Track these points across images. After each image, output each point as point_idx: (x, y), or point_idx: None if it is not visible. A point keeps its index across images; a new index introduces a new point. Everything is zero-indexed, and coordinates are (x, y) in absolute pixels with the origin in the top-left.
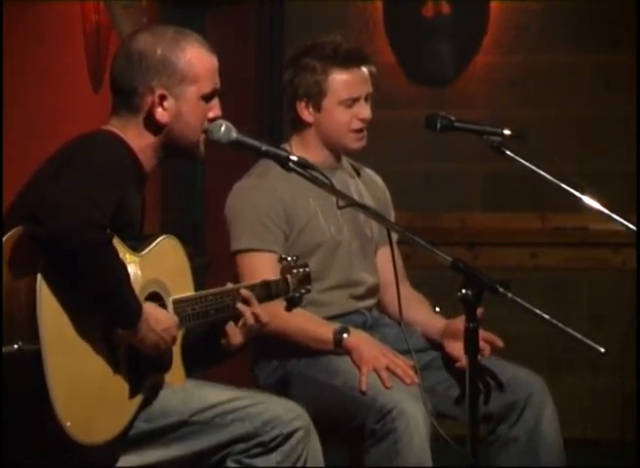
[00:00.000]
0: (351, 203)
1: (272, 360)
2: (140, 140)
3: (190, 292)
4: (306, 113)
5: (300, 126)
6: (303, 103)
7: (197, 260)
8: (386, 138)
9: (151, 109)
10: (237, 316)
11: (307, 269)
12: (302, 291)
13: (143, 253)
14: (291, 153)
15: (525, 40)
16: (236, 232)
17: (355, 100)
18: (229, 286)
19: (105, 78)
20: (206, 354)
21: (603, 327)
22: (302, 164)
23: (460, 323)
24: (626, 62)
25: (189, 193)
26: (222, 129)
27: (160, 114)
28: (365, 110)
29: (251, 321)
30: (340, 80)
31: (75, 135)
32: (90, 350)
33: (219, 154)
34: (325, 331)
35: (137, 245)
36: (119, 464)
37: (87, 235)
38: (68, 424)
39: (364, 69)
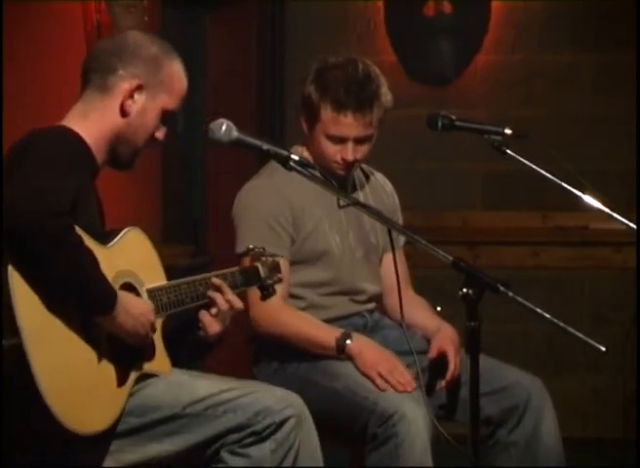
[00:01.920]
0: (352, 202)
1: (272, 361)
2: (97, 125)
3: (163, 282)
4: (305, 128)
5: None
6: (302, 118)
7: (198, 259)
8: (388, 138)
9: (123, 94)
10: (210, 304)
11: (277, 259)
12: (275, 279)
13: (110, 245)
14: (293, 152)
15: (526, 39)
16: (242, 234)
17: (342, 140)
18: (202, 275)
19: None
20: (184, 346)
21: (604, 326)
22: (304, 163)
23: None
24: (627, 62)
25: (190, 191)
26: (223, 128)
27: (128, 104)
28: (347, 153)
29: (224, 307)
30: (329, 118)
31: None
32: (72, 341)
33: (220, 153)
34: (327, 336)
35: (102, 238)
36: (114, 462)
37: (44, 225)
38: (62, 415)
39: (359, 115)
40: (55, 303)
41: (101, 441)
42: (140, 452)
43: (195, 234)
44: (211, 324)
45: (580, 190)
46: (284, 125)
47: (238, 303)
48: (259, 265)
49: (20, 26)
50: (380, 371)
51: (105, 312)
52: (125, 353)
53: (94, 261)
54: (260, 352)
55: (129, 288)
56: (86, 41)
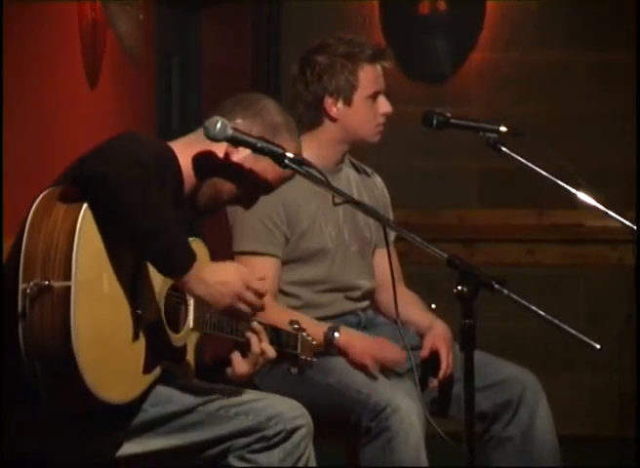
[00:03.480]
0: (347, 199)
1: None
2: (196, 158)
3: None
4: (334, 109)
5: (319, 123)
6: (332, 99)
7: None
8: (383, 135)
9: (228, 149)
10: (245, 345)
11: (313, 342)
12: (308, 358)
13: None
14: (287, 150)
15: (521, 37)
16: (238, 233)
17: (377, 94)
18: None
19: (102, 75)
20: (211, 379)
21: (600, 323)
22: (298, 161)
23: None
24: (623, 59)
25: None
26: (218, 125)
27: (231, 151)
28: (387, 105)
29: (257, 351)
30: (368, 75)
31: (72, 132)
32: (117, 308)
33: None
34: (316, 331)
35: None
36: (120, 452)
37: (135, 170)
38: (85, 370)
39: (385, 65)
40: (114, 268)
41: (116, 428)
42: (147, 445)
43: (192, 234)
44: (239, 364)
45: (575, 188)
46: None
47: (271, 353)
48: (300, 336)
49: (16, 26)
50: (374, 354)
51: (178, 272)
52: (158, 346)
53: (172, 219)
54: None
55: (178, 290)
56: (81, 39)
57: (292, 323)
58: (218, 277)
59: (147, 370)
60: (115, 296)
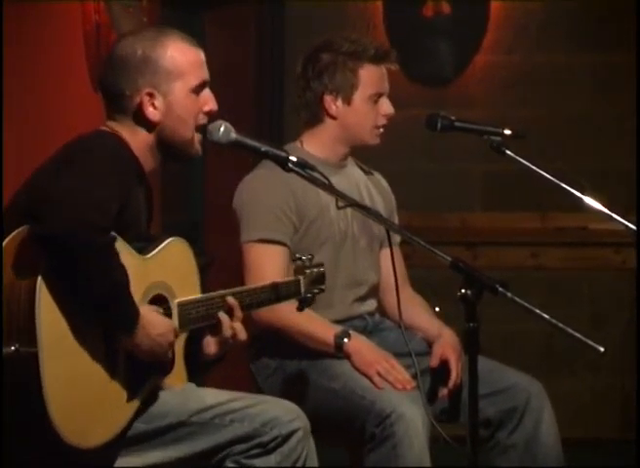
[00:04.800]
0: (350, 203)
1: (272, 360)
2: (135, 140)
3: (197, 295)
4: (334, 107)
5: (319, 121)
6: (332, 97)
7: (197, 260)
8: (386, 138)
9: (141, 109)
10: (216, 325)
11: (322, 269)
12: (315, 290)
13: (150, 255)
14: (291, 149)
15: (525, 40)
16: (246, 222)
17: (380, 96)
18: (238, 288)
19: None
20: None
21: (603, 326)
22: (302, 164)
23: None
24: (625, 62)
25: (189, 193)
26: (222, 129)
27: (151, 113)
28: (389, 106)
29: (228, 333)
30: (370, 74)
31: (75, 134)
32: (88, 354)
33: (218, 155)
34: (326, 333)
35: (143, 246)
36: (117, 466)
37: (88, 237)
38: (63, 428)
39: (389, 67)
40: (77, 316)
41: (109, 450)
42: (144, 458)
43: (194, 237)
44: (209, 344)
45: (579, 191)
46: (282, 125)
47: (242, 334)
48: (300, 278)
49: (20, 26)
50: (379, 370)
51: (125, 333)
52: (142, 366)
53: (124, 281)
54: (260, 350)
55: (161, 299)
56: (85, 41)
57: (295, 259)
58: (157, 330)
59: (132, 396)
60: (85, 345)
